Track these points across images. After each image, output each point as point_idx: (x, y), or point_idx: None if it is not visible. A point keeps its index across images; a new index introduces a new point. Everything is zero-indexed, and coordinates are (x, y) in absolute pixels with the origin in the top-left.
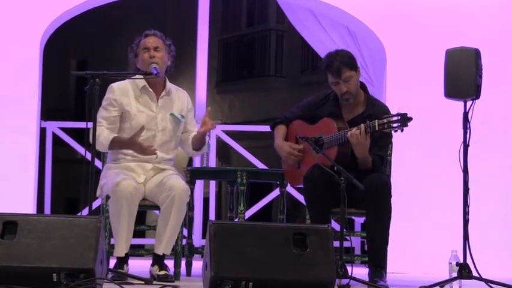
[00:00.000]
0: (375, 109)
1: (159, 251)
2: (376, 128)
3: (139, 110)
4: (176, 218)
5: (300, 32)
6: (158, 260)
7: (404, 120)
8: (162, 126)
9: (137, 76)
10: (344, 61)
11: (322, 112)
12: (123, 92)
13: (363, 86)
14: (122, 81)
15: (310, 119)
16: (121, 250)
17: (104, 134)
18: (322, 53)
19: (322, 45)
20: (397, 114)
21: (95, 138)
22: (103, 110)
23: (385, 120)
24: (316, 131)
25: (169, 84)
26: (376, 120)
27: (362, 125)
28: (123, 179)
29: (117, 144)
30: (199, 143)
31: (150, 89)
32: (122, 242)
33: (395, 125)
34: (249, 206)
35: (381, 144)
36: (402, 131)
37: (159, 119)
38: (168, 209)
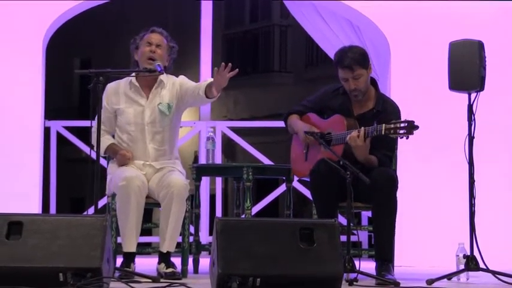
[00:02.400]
0: (385, 106)
1: (163, 248)
2: (383, 132)
3: (127, 105)
4: (176, 214)
5: (304, 27)
6: (164, 258)
7: (410, 127)
8: (150, 119)
9: (137, 73)
10: (355, 58)
11: (333, 105)
12: (114, 91)
13: (373, 83)
14: (117, 80)
15: (321, 111)
16: (130, 245)
17: (103, 139)
18: (326, 48)
19: (326, 40)
20: (405, 121)
21: (92, 138)
22: (102, 111)
23: (392, 126)
24: (327, 126)
25: (163, 77)
26: (384, 124)
27: (362, 128)
28: (130, 174)
29: (110, 151)
30: (213, 92)
31: (137, 84)
32: (132, 237)
33: (401, 131)
34: (255, 202)
35: (389, 144)
36: (407, 138)
37: (148, 112)
38: (168, 205)
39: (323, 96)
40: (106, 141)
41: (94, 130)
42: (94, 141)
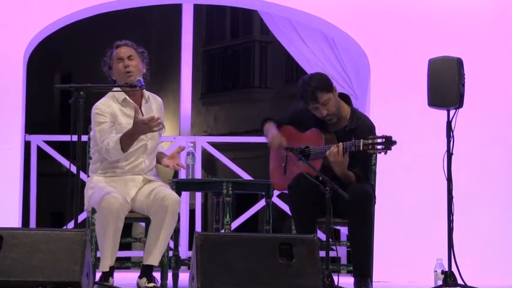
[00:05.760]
0: (359, 123)
1: (150, 261)
2: (361, 148)
3: (128, 122)
4: (168, 228)
5: (282, 43)
6: (147, 272)
7: (388, 143)
8: (151, 135)
9: (118, 88)
10: (317, 86)
11: (309, 121)
12: (108, 106)
13: (346, 99)
14: (102, 99)
15: (299, 124)
16: (106, 265)
17: (111, 141)
18: (305, 66)
19: (303, 57)
20: (382, 137)
21: (108, 151)
22: (97, 126)
23: (370, 141)
24: (304, 140)
25: (146, 92)
26: (362, 140)
27: (340, 144)
28: (110, 195)
29: (126, 139)
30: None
31: (131, 100)
32: (107, 257)
33: (379, 147)
34: (235, 217)
35: (365, 162)
36: (386, 153)
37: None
38: (160, 219)
39: (299, 112)
40: (115, 138)
41: (111, 146)
42: (115, 154)
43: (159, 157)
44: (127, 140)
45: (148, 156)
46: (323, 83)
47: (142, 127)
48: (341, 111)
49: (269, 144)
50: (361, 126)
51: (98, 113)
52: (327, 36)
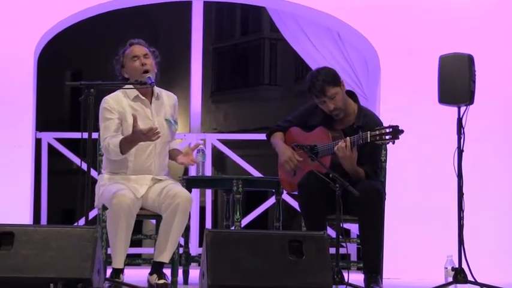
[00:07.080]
0: (366, 120)
1: (161, 258)
2: (369, 140)
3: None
4: (180, 225)
5: (289, 42)
6: (157, 269)
7: (395, 132)
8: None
9: (129, 86)
10: (325, 80)
11: (315, 120)
12: (117, 102)
13: (353, 96)
14: (113, 93)
15: (305, 126)
16: (119, 262)
17: (112, 142)
18: (311, 64)
19: (312, 58)
20: (389, 127)
21: (108, 150)
22: (104, 123)
23: (377, 132)
24: (311, 139)
25: (157, 89)
26: (369, 132)
27: (348, 138)
28: (121, 191)
29: (125, 143)
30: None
31: (143, 97)
32: (120, 254)
33: (387, 137)
34: (245, 214)
35: (374, 159)
36: (394, 143)
37: (157, 125)
38: (171, 216)
39: (305, 112)
40: (116, 140)
41: (111, 148)
42: (114, 156)
43: (174, 154)
44: (126, 145)
45: (158, 156)
46: (331, 76)
47: (141, 137)
48: (348, 107)
49: (280, 163)
50: (369, 123)
51: (106, 108)
52: (335, 35)
